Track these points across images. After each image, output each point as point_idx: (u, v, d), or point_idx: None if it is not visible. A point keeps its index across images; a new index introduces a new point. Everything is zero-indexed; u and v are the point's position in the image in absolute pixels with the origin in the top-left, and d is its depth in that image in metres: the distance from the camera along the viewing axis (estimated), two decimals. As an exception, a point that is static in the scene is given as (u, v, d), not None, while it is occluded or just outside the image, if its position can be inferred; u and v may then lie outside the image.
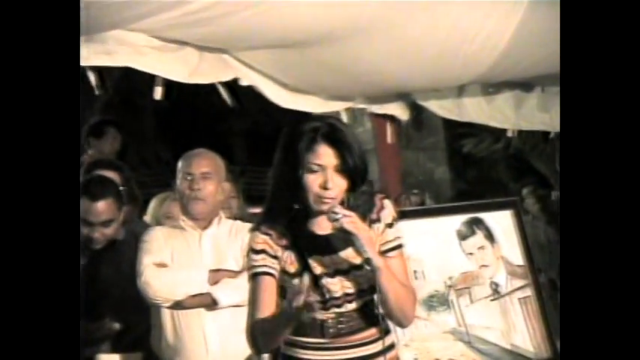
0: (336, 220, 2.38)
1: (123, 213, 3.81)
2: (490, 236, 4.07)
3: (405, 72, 4.44)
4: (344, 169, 2.42)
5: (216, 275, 3.45)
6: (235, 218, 3.85)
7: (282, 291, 2.48)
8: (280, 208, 2.48)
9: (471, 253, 4.04)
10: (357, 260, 2.47)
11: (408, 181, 7.14)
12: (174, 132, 8.71)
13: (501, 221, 4.08)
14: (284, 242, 2.47)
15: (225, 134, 9.26)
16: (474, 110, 5.51)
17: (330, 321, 2.46)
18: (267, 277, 2.47)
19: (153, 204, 4.31)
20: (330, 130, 2.44)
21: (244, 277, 3.43)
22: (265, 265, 2.47)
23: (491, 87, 5.28)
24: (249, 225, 3.63)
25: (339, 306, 2.46)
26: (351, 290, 2.46)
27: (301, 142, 2.41)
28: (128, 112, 6.93)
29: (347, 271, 2.46)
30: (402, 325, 2.59)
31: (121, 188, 3.88)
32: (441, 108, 5.50)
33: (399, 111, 5.56)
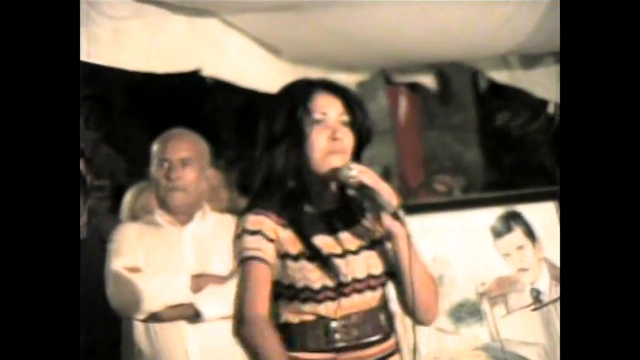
0: (352, 177, 2.42)
1: (87, 207, 3.82)
2: (530, 234, 4.08)
3: (428, 38, 4.45)
4: (350, 122, 2.49)
5: (200, 281, 3.46)
6: (225, 212, 3.86)
7: (277, 295, 2.49)
8: (274, 188, 2.49)
9: (507, 254, 4.05)
10: (365, 240, 2.50)
11: (431, 168, 7.15)
12: (150, 109, 8.71)
13: (544, 216, 4.09)
14: (283, 221, 2.48)
15: (212, 112, 9.25)
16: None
17: (336, 324, 2.46)
18: (260, 265, 2.45)
19: (128, 196, 4.33)
20: (328, 81, 2.55)
21: (232, 284, 3.46)
22: (258, 249, 2.45)
23: (534, 58, 5.29)
24: None
25: (346, 295, 2.45)
26: (361, 276, 2.48)
27: (298, 97, 2.49)
28: (94, 85, 6.94)
29: (356, 251, 2.49)
30: (423, 322, 2.56)
31: (87, 178, 3.89)
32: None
33: (424, 83, 5.58)
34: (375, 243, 2.52)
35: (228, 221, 3.60)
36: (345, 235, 2.50)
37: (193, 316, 3.44)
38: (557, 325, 3.95)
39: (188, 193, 3.53)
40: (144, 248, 3.51)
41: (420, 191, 5.68)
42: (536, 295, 4.00)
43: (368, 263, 2.49)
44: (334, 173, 2.46)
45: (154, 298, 3.40)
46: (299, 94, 2.51)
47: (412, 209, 2.70)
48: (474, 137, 8.58)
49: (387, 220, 2.43)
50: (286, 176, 2.49)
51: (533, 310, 3.98)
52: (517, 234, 4.06)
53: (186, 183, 3.52)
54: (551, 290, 4.00)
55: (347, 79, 4.96)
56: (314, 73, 4.66)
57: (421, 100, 6.11)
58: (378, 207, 2.42)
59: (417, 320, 2.54)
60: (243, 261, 2.46)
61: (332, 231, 2.50)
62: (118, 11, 3.84)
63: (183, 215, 3.56)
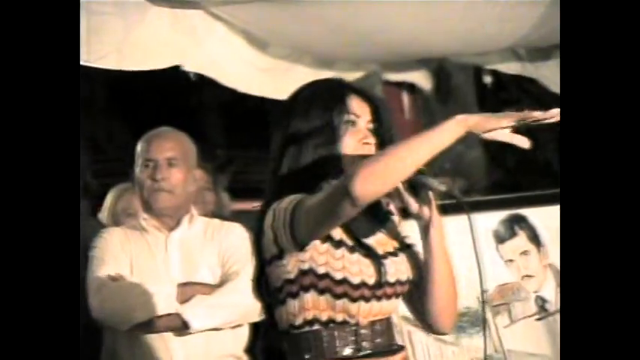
0: None
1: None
2: (535, 238, 4.08)
3: (427, 31, 4.46)
4: (376, 130, 2.53)
5: (187, 290, 3.45)
6: (211, 216, 3.85)
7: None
8: (297, 186, 2.47)
9: (510, 260, 4.05)
10: (389, 246, 2.52)
11: (431, 168, 7.15)
12: (132, 106, 8.70)
13: (550, 219, 4.09)
14: None
15: (198, 109, 9.24)
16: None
17: (365, 331, 2.46)
18: None
19: (109, 198, 4.32)
20: (358, 86, 2.59)
21: (221, 294, 3.45)
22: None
23: (543, 51, 5.29)
24: (229, 224, 3.63)
25: (379, 298, 2.45)
26: (392, 280, 2.48)
27: (334, 95, 2.51)
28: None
29: (384, 256, 2.50)
30: (442, 328, 2.59)
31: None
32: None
33: (421, 80, 5.58)
34: (399, 250, 2.54)
35: (216, 226, 3.59)
36: (369, 241, 2.51)
37: (180, 327, 3.42)
38: (563, 335, 3.95)
39: (174, 195, 3.52)
40: (128, 255, 3.50)
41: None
42: (542, 304, 4.00)
43: (396, 268, 2.50)
44: None
45: (139, 309, 3.39)
46: (335, 92, 2.54)
47: (410, 213, 2.70)
48: (476, 136, 8.59)
49: (429, 208, 2.48)
50: (310, 174, 2.48)
51: (538, 319, 3.98)
52: (521, 239, 4.07)
53: (172, 184, 3.51)
54: (557, 298, 4.00)
55: (341, 77, 4.96)
56: (300, 70, 4.69)
57: (420, 97, 6.10)
58: (428, 188, 2.46)
59: (435, 327, 2.58)
60: (297, 204, 2.38)
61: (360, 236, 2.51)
62: (97, 6, 3.85)
63: (170, 219, 3.55)
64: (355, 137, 2.49)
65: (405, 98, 5.74)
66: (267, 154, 2.57)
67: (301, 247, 2.40)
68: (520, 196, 4.28)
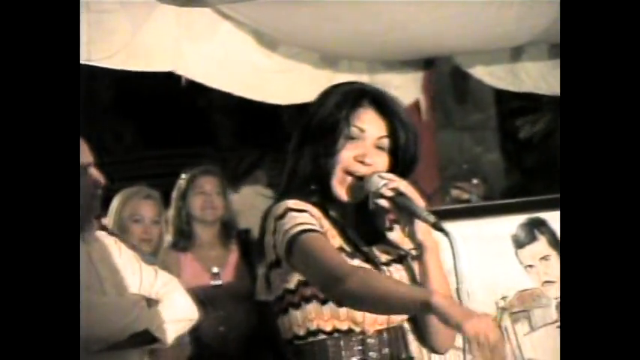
0: (386, 185, 2.40)
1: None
2: (556, 243, 4.07)
3: (440, 27, 4.46)
4: (390, 149, 2.46)
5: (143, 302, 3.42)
6: (219, 222, 3.85)
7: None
8: (298, 187, 2.48)
9: (530, 266, 4.04)
10: (393, 254, 2.51)
11: (447, 171, 7.15)
12: (140, 107, 8.73)
13: (571, 223, 4.07)
14: (320, 213, 2.46)
15: (205, 110, 9.26)
16: (535, 78, 5.52)
17: (372, 340, 2.45)
18: (320, 235, 2.38)
19: (115, 203, 4.28)
20: (381, 94, 2.49)
21: (170, 306, 3.39)
22: (312, 224, 2.38)
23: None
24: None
25: None
26: None
27: (343, 104, 2.45)
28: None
29: (387, 264, 2.50)
30: (439, 348, 2.57)
31: None
32: (490, 75, 5.51)
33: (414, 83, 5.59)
34: (402, 258, 2.54)
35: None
36: (370, 249, 2.51)
37: (151, 342, 3.35)
38: (585, 343, 3.94)
39: None
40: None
41: (435, 198, 5.67)
42: (563, 311, 3.99)
43: (400, 275, 2.50)
44: (359, 185, 2.44)
45: (136, 322, 3.31)
46: (346, 100, 2.47)
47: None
48: (493, 137, 8.58)
49: (421, 231, 2.44)
50: (309, 179, 2.48)
51: (560, 327, 3.97)
52: (541, 243, 4.05)
53: None
54: (578, 305, 3.99)
55: (352, 77, 4.97)
56: (307, 70, 4.69)
57: (436, 97, 6.10)
58: (415, 217, 2.42)
59: (432, 347, 2.56)
60: (297, 236, 2.37)
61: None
62: (101, 4, 3.87)
63: None
64: (352, 153, 2.44)
65: (420, 98, 5.73)
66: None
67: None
68: (540, 200, 4.25)
